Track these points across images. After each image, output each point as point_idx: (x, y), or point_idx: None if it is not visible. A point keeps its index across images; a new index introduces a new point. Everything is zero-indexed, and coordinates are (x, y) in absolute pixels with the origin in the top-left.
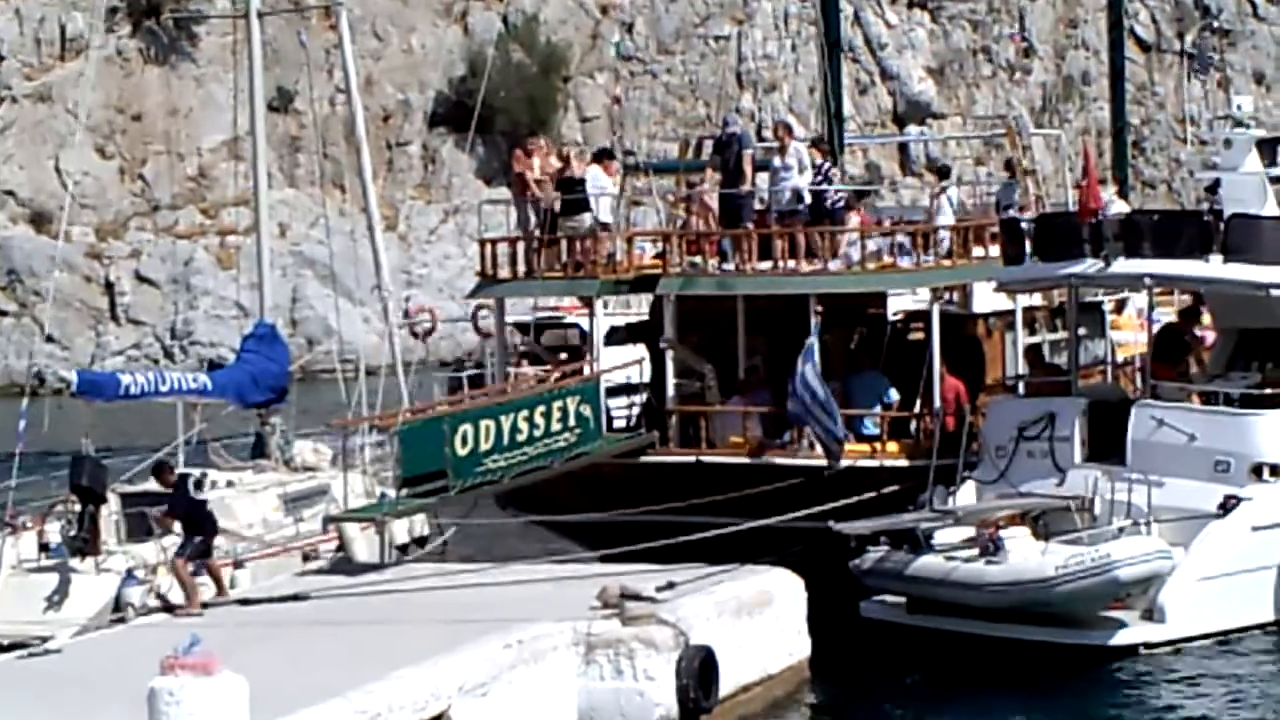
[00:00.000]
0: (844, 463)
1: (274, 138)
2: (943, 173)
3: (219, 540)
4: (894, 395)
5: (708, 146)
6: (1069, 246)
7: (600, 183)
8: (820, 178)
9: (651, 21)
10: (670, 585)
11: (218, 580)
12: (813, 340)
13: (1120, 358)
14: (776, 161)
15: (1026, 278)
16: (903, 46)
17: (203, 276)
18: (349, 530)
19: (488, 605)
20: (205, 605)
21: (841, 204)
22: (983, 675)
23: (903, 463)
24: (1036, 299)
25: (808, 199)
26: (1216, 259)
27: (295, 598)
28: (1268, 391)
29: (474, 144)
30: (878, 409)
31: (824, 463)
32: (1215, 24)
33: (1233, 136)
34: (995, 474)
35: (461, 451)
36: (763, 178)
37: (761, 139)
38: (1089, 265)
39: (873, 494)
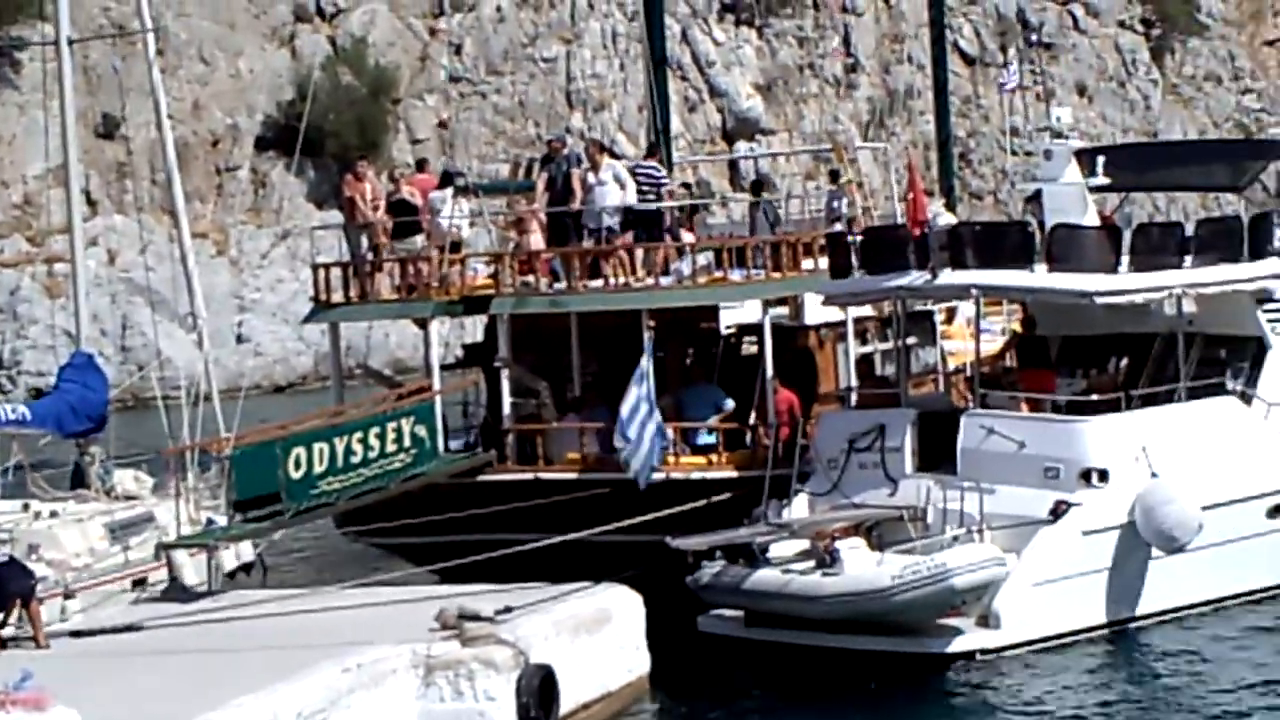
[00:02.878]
0: (679, 475)
1: (101, 164)
2: (755, 188)
3: (45, 570)
4: (730, 404)
5: (538, 166)
6: (895, 259)
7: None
8: (654, 187)
9: (480, 42)
10: (508, 609)
11: (35, 626)
12: (646, 363)
13: (951, 366)
14: (591, 178)
15: (853, 291)
16: (730, 64)
17: (30, 305)
18: (178, 557)
19: (326, 630)
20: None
21: (676, 218)
22: (822, 687)
23: (738, 474)
24: (867, 310)
25: (642, 204)
26: (1041, 268)
27: (129, 628)
28: (1094, 398)
29: (304, 167)
30: (713, 418)
31: (660, 476)
32: (1037, 37)
33: (1052, 148)
34: (828, 486)
35: (295, 475)
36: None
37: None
38: (915, 277)
39: (705, 503)
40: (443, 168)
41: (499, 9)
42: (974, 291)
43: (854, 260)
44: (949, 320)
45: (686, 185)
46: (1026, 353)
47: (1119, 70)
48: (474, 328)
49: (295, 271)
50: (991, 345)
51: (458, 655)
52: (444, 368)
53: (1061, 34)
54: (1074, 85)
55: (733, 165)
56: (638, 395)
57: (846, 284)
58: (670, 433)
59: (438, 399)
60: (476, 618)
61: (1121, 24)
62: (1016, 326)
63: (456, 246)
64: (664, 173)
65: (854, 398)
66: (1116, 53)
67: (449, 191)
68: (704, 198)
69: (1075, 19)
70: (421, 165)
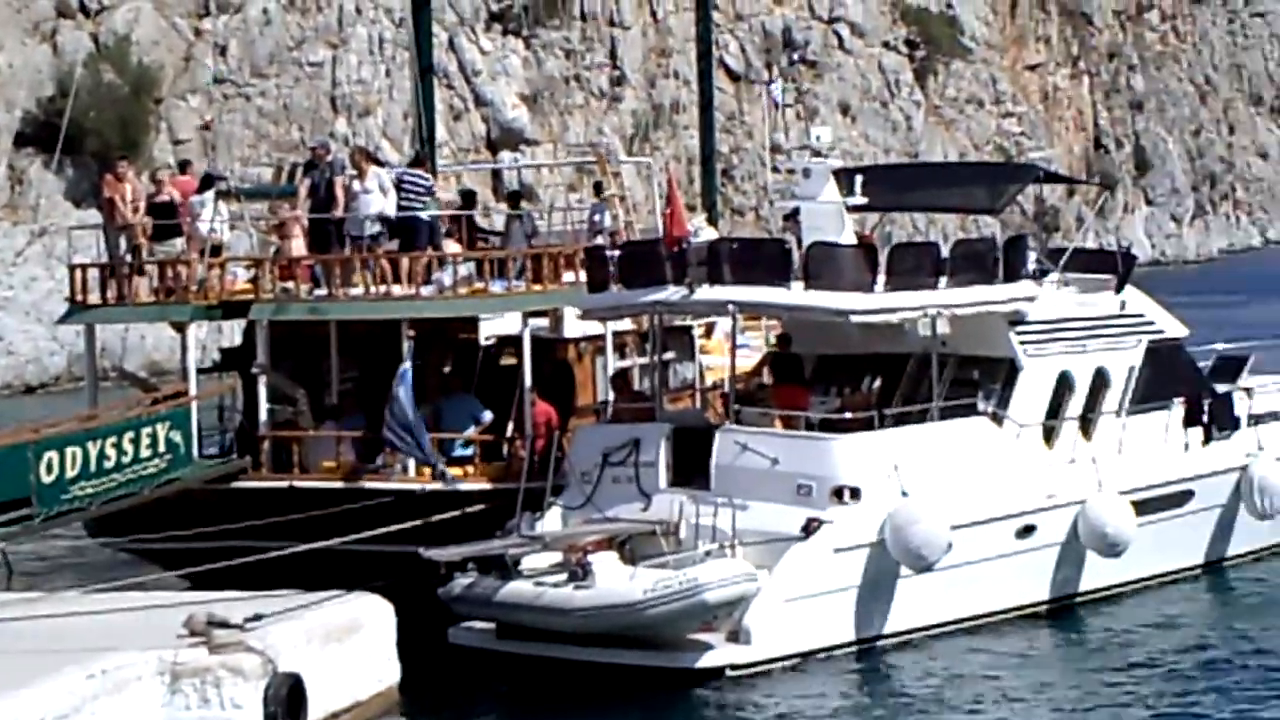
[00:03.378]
0: (434, 486)
1: None
2: (512, 199)
3: None
4: (488, 417)
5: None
6: (653, 273)
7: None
8: (420, 195)
9: (245, 44)
10: (257, 616)
11: None
12: (407, 365)
13: (710, 381)
14: (356, 186)
15: (611, 304)
16: (496, 73)
17: None
18: None
19: (71, 634)
20: None
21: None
22: (573, 700)
23: (493, 486)
24: (627, 324)
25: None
26: (798, 285)
27: None
28: (847, 416)
29: (63, 165)
30: (471, 430)
31: (417, 487)
32: (801, 56)
33: (811, 166)
34: (582, 499)
35: (47, 479)
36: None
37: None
38: (672, 292)
39: (459, 514)
40: (205, 170)
41: (265, 11)
42: (731, 307)
43: (612, 274)
44: (708, 336)
45: (470, 193)
46: (780, 370)
47: (882, 91)
48: (232, 331)
49: (51, 270)
50: (749, 361)
51: (205, 662)
52: (201, 371)
53: (826, 53)
54: (838, 104)
55: (497, 175)
56: (404, 397)
57: (604, 297)
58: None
59: (194, 404)
60: (225, 625)
61: (886, 45)
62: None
63: (217, 250)
64: (430, 181)
65: (610, 411)
66: (880, 73)
67: (210, 194)
68: (466, 207)
69: (840, 39)
70: (184, 167)
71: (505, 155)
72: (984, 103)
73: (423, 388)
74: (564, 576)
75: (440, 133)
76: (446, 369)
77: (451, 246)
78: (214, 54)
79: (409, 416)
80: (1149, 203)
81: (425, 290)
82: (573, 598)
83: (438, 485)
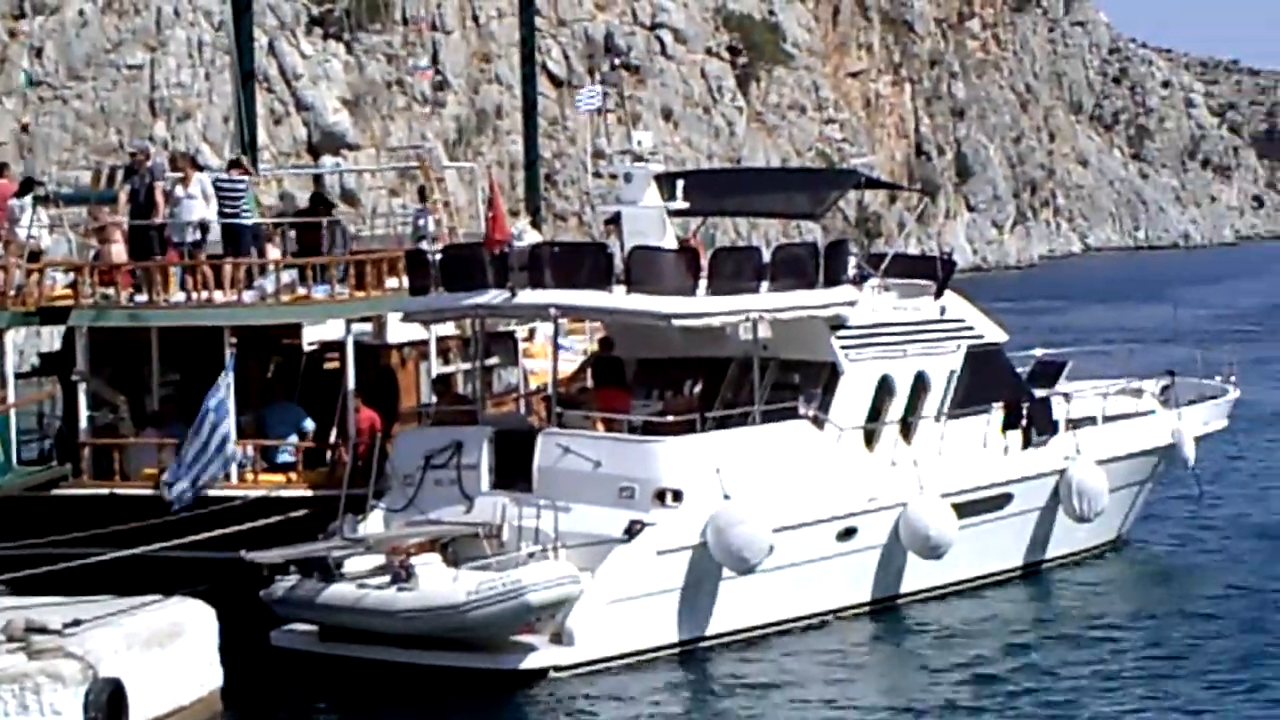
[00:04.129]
0: (256, 492)
1: None
2: (313, 200)
3: None
4: (310, 425)
5: (121, 177)
6: (474, 277)
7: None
8: (236, 200)
9: (62, 46)
10: (77, 621)
11: None
12: (226, 380)
13: (533, 386)
14: (179, 191)
15: (432, 308)
16: (317, 77)
17: None
18: None
19: None
20: None
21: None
22: (396, 702)
23: (317, 492)
24: (450, 329)
25: (215, 231)
26: (620, 289)
27: None
28: (669, 419)
29: None
30: (294, 438)
31: (238, 493)
32: (624, 61)
33: (633, 171)
34: (404, 502)
35: None
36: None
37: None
38: (494, 296)
39: (282, 519)
40: (24, 175)
41: (82, 13)
42: (553, 311)
43: (434, 277)
44: (531, 340)
45: (321, 197)
46: (602, 373)
47: (705, 96)
48: (51, 336)
49: None
50: (573, 365)
51: (23, 668)
52: (19, 377)
53: (649, 59)
54: (660, 110)
55: (318, 180)
56: (205, 414)
57: (426, 301)
58: (249, 450)
59: (12, 411)
60: (44, 630)
61: (709, 51)
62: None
63: (35, 256)
64: (246, 184)
65: (430, 415)
66: (703, 79)
67: (29, 199)
68: (286, 212)
69: (663, 44)
70: (1, 170)
71: (327, 159)
72: (806, 109)
73: (245, 394)
74: (387, 579)
75: (261, 137)
76: (269, 375)
77: (270, 252)
78: (30, 56)
79: (214, 434)
80: (970, 209)
81: (247, 296)
82: (395, 600)
83: (261, 491)
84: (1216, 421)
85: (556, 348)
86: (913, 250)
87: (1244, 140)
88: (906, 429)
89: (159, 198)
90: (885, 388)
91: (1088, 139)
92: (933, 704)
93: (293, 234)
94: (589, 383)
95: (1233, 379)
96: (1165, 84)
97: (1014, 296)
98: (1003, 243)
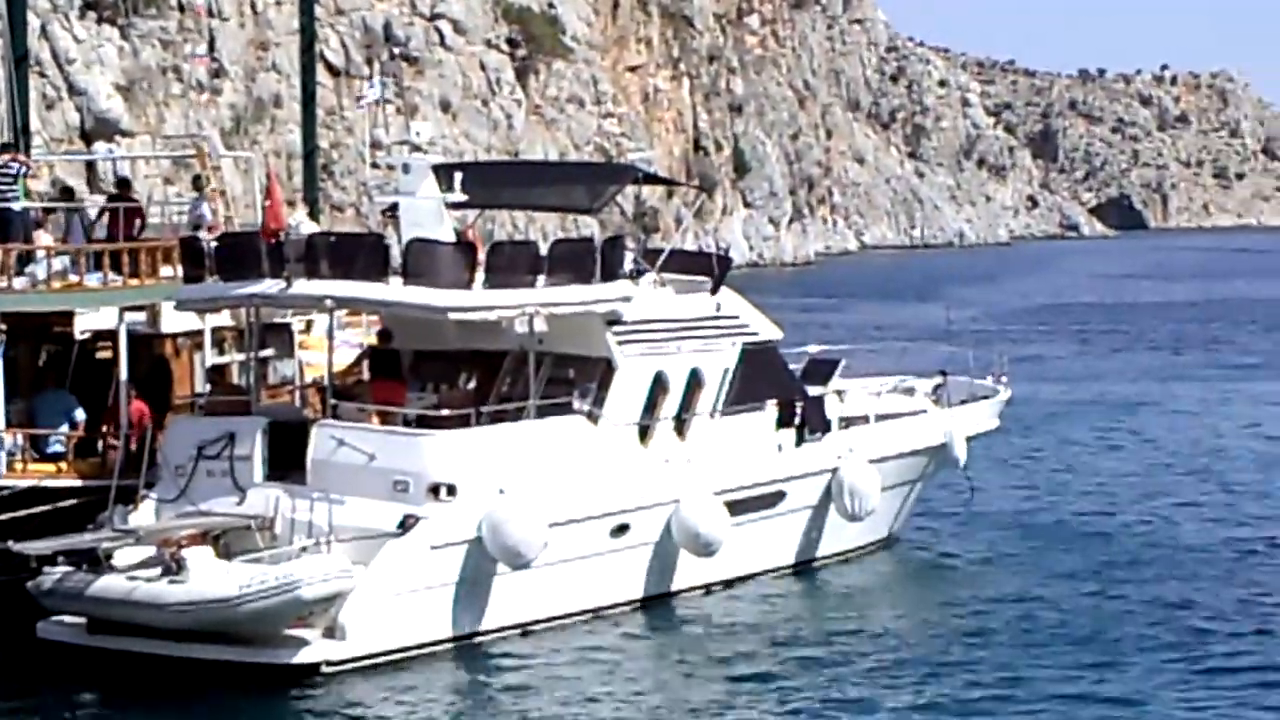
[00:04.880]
0: (27, 482)
1: None
2: (65, 194)
3: None
4: (81, 415)
5: None
6: (250, 267)
7: None
8: (10, 181)
9: None
10: None
11: None
12: None
13: (310, 377)
14: None
15: (206, 297)
16: (91, 62)
17: None
18: None
19: None
20: None
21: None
22: (166, 696)
23: (88, 483)
24: (226, 319)
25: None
26: (396, 281)
27: None
28: (444, 413)
29: None
30: (64, 428)
31: (7, 483)
32: (402, 51)
33: (410, 162)
34: (176, 493)
35: None
36: None
37: None
38: (270, 286)
39: (50, 509)
40: None
41: None
42: (328, 302)
43: (209, 266)
44: (308, 332)
45: (127, 182)
46: (378, 365)
47: (483, 89)
48: None
49: None
50: (350, 357)
51: None
52: None
53: (428, 50)
54: (439, 101)
55: (90, 166)
56: None
57: (200, 290)
58: (18, 439)
59: None
60: None
61: (488, 43)
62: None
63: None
64: (17, 169)
65: (203, 405)
66: (482, 71)
67: None
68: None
69: (442, 36)
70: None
71: (100, 146)
72: (585, 103)
73: (15, 383)
74: (157, 571)
75: (33, 121)
76: (40, 364)
77: (42, 238)
78: None
79: None
80: (747, 205)
81: (18, 283)
82: (166, 592)
83: (30, 481)
84: (987, 421)
85: (332, 339)
86: (690, 246)
87: (1019, 140)
88: (680, 425)
89: None
90: (660, 384)
91: (865, 137)
92: (702, 699)
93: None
94: (365, 375)
95: (1004, 379)
96: (942, 83)
97: (790, 293)
98: (779, 239)
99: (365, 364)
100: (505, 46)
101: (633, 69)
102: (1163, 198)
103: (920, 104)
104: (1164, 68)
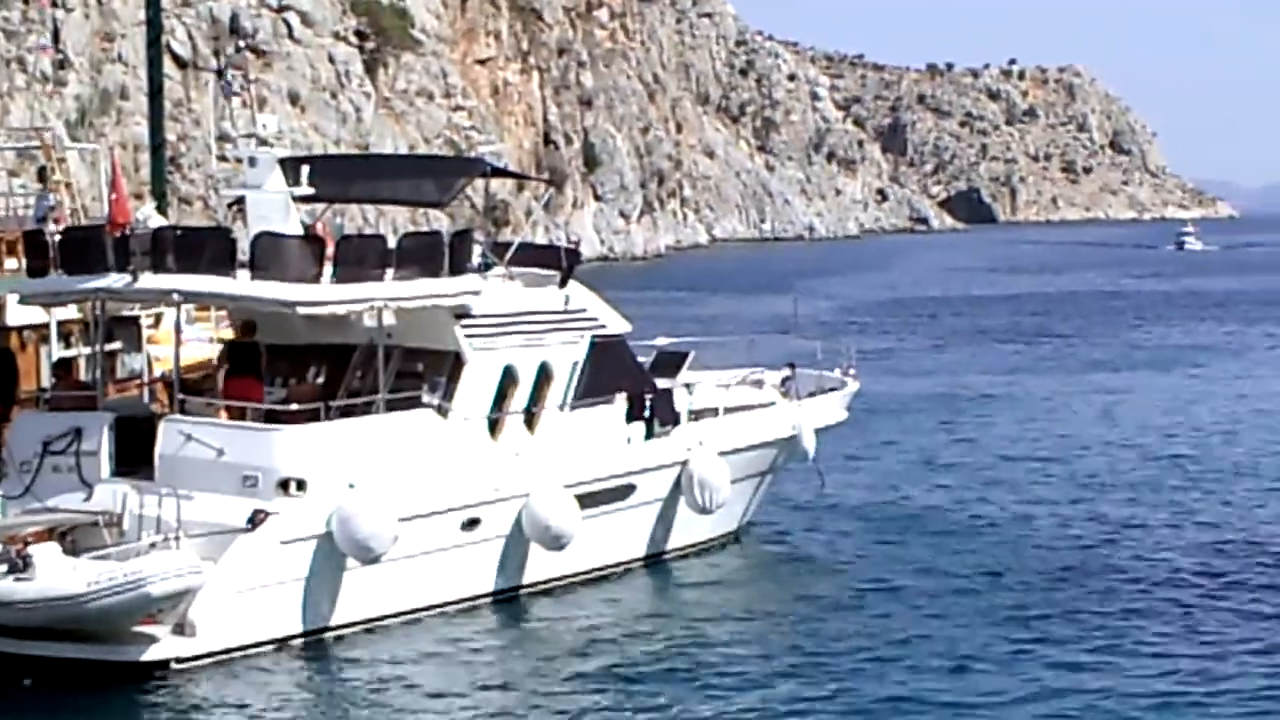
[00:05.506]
0: None
1: None
2: None
3: None
4: None
5: None
6: (95, 260)
7: None
8: None
9: None
10: None
11: None
12: None
13: (159, 372)
14: None
15: (51, 291)
16: None
17: None
18: None
19: None
20: None
21: None
22: (12, 695)
23: None
24: (72, 312)
25: None
26: (244, 275)
27: None
28: (293, 407)
29: None
30: None
31: None
32: (250, 43)
33: (257, 155)
34: (21, 489)
35: None
36: None
37: None
38: (115, 280)
39: None
40: None
41: None
42: (175, 296)
43: (54, 259)
44: (157, 326)
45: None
46: (237, 360)
47: (332, 81)
48: None
49: None
50: (199, 352)
51: None
52: None
53: (276, 41)
54: (287, 94)
55: None
56: None
57: (45, 283)
58: None
59: None
60: None
61: (336, 35)
62: (227, 333)
63: None
64: None
65: (48, 400)
66: (330, 63)
67: None
68: None
69: (290, 27)
70: None
71: None
72: (434, 95)
73: None
74: (3, 569)
75: None
76: None
77: None
78: None
79: None
80: (598, 199)
81: None
82: (12, 590)
83: None
84: (836, 413)
85: (179, 333)
86: (540, 240)
87: (868, 134)
88: (530, 419)
89: None
90: (509, 377)
91: (715, 130)
92: (554, 695)
93: None
94: (224, 368)
95: (852, 371)
96: (791, 77)
97: (640, 287)
98: (630, 233)
99: (224, 357)
100: (354, 39)
101: (482, 62)
102: (1011, 191)
103: (770, 98)
104: (1012, 62)
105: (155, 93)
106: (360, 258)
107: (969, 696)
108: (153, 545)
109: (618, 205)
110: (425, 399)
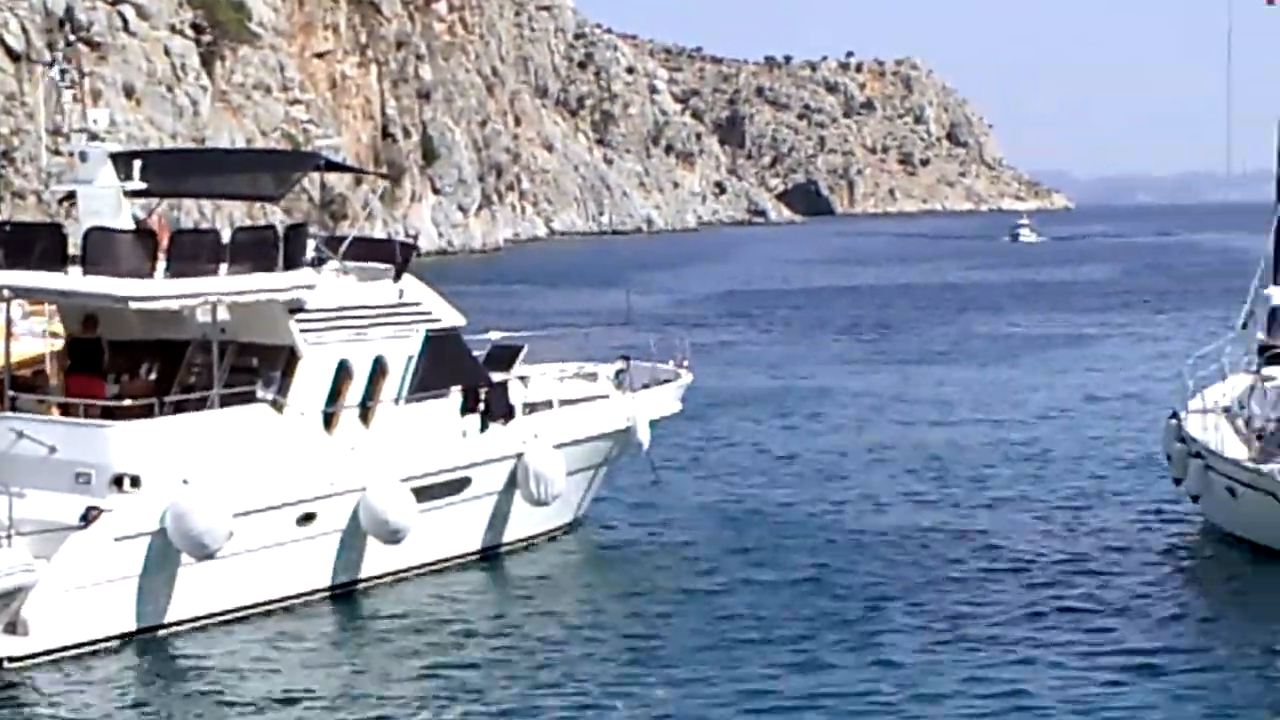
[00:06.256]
0: None
1: None
2: None
3: None
4: None
5: None
6: None
7: None
8: None
9: None
10: None
11: None
12: None
13: None
14: None
15: None
16: None
17: None
18: None
19: None
20: None
21: None
22: None
23: None
24: None
25: None
26: (76, 270)
27: None
28: (126, 403)
29: None
30: None
31: None
32: (85, 36)
33: (88, 150)
34: None
35: None
36: None
37: None
38: None
39: None
40: None
41: None
42: (5, 292)
43: None
44: None
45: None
46: (78, 357)
47: (168, 74)
48: None
49: None
50: (33, 347)
51: None
52: None
53: (111, 34)
54: (122, 87)
55: None
56: None
57: None
58: None
59: None
60: None
61: (172, 28)
62: (57, 328)
63: None
64: None
65: None
66: (166, 56)
67: None
68: None
69: (125, 20)
70: None
71: None
72: (272, 89)
73: None
74: None
75: None
76: None
77: None
78: None
79: None
80: (436, 192)
81: None
82: None
83: None
84: (670, 405)
85: (10, 329)
86: (379, 234)
87: (706, 127)
88: (365, 413)
89: None
90: (344, 371)
91: (553, 124)
92: (390, 690)
93: None
94: (65, 365)
95: (685, 363)
96: (630, 70)
97: (478, 280)
98: (469, 226)
99: (66, 353)
100: (190, 32)
101: (320, 55)
102: (849, 183)
103: (608, 91)
104: (849, 55)
105: None
106: (193, 252)
107: (802, 687)
108: None
109: (456, 199)
110: (260, 394)
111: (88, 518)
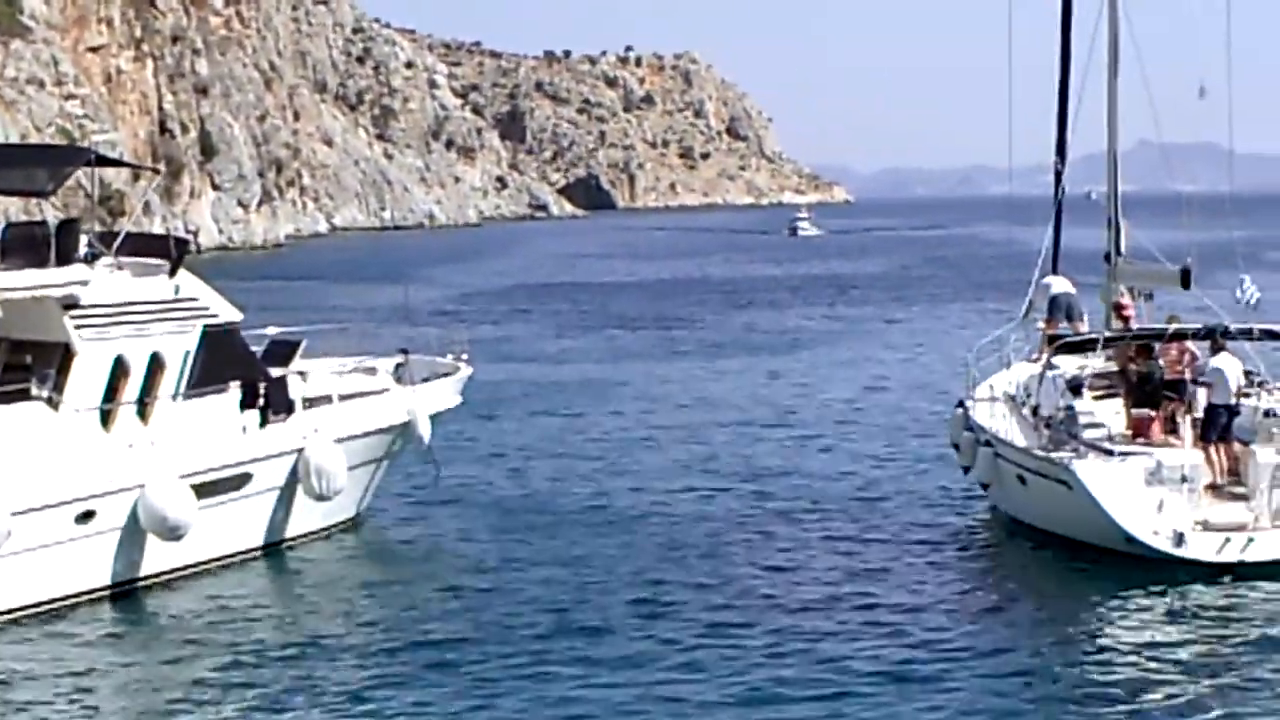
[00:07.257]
0: None
1: None
2: None
3: None
4: None
5: None
6: None
7: None
8: None
9: None
10: None
11: None
12: None
13: None
14: None
15: None
16: None
17: None
18: None
19: None
20: None
21: None
22: None
23: None
24: None
25: None
26: None
27: None
28: None
29: None
30: None
31: None
32: None
33: None
34: None
35: None
36: None
37: None
38: None
39: None
40: None
41: None
42: None
43: None
44: None
45: None
46: None
47: None
48: None
49: None
50: None
51: None
52: None
53: None
54: None
55: None
56: None
57: None
58: None
59: None
60: None
61: None
62: None
63: None
64: None
65: None
66: None
67: None
68: None
69: None
70: None
71: None
72: (45, 84)
73: None
74: None
75: None
76: None
77: None
78: None
79: None
80: (216, 188)
81: None
82: None
83: None
84: (450, 398)
85: None
86: (158, 229)
87: (487, 122)
88: (143, 409)
89: None
90: (120, 368)
91: (333, 118)
92: (167, 685)
93: None
94: None
95: (465, 357)
96: (409, 64)
97: (258, 276)
98: (249, 222)
99: None
100: None
101: (94, 50)
102: (630, 178)
103: (388, 85)
104: (628, 49)
105: None
106: None
107: (585, 680)
108: None
109: (236, 194)
110: (34, 391)
111: None
